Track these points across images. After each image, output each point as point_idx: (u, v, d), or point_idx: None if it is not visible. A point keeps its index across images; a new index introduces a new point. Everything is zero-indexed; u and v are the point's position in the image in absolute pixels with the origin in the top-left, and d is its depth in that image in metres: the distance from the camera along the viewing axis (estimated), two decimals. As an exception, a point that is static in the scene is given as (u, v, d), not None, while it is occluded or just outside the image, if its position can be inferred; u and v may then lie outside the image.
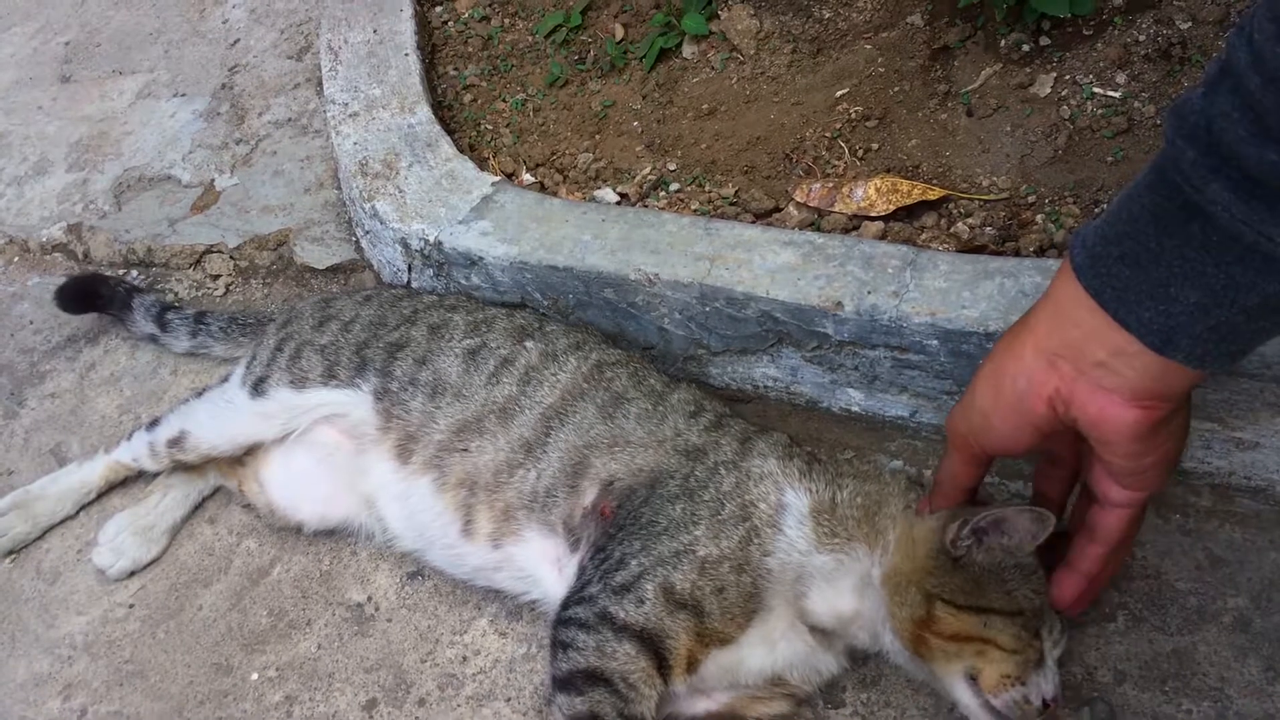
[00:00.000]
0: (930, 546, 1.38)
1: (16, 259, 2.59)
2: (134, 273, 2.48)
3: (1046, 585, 1.36)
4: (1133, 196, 1.05)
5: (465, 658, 1.71)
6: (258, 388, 1.87)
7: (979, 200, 1.80)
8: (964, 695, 1.38)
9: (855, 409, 1.77)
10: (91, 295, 2.25)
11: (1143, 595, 1.53)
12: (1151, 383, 1.07)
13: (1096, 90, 1.85)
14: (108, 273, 2.43)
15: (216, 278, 2.41)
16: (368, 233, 2.13)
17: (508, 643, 1.71)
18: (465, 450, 1.69)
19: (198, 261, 2.43)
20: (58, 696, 1.82)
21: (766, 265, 1.71)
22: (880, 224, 1.80)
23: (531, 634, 1.71)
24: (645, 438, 1.60)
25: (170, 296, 2.39)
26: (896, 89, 2.00)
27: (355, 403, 1.80)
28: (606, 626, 1.45)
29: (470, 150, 2.17)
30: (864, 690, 1.54)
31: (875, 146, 1.93)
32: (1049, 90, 1.89)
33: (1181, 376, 1.06)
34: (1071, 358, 1.12)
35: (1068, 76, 1.89)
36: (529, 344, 1.75)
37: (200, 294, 2.40)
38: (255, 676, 1.76)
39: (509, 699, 1.64)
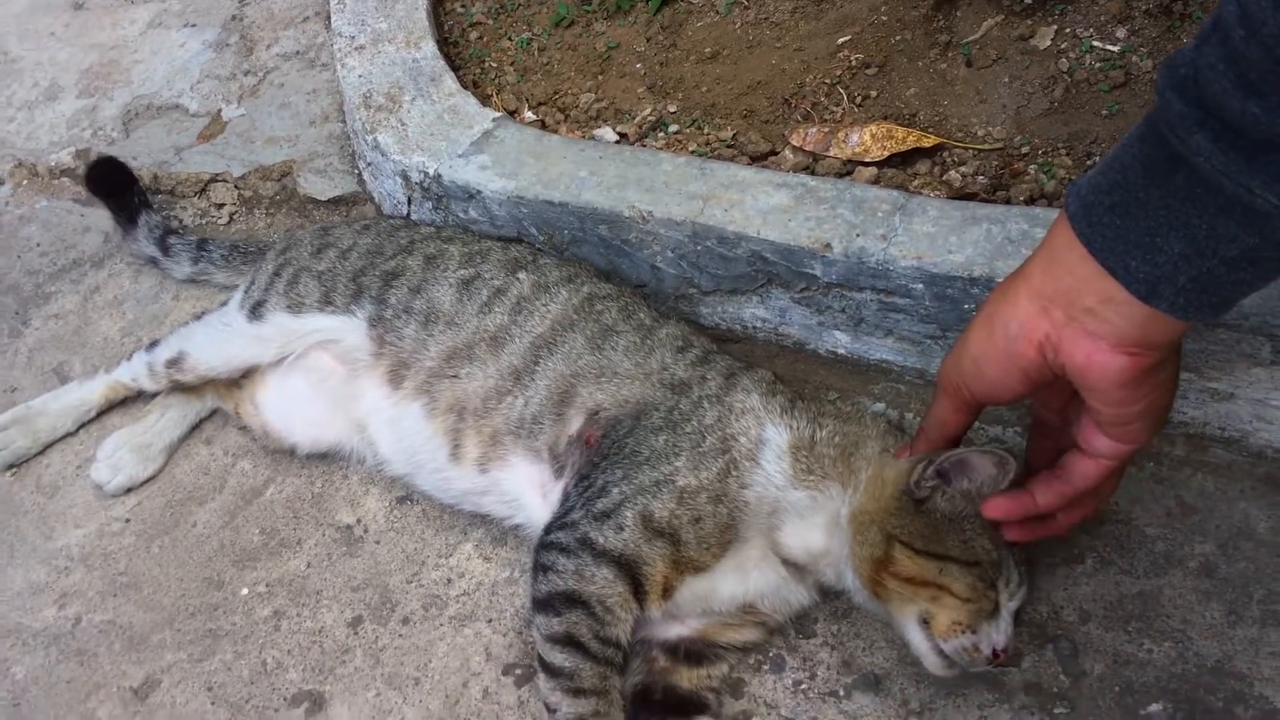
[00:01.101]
0: (897, 488, 1.41)
1: (25, 182, 2.62)
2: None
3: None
4: (1125, 147, 1.07)
5: (450, 580, 1.75)
6: (255, 311, 1.90)
7: (973, 149, 1.81)
8: (916, 637, 1.42)
9: (841, 351, 1.80)
10: (119, 183, 2.29)
11: (1112, 539, 1.56)
12: (1137, 331, 1.09)
13: (1096, 44, 1.86)
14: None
15: (221, 206, 2.43)
16: (369, 165, 2.16)
17: (491, 567, 1.75)
18: (455, 377, 1.72)
19: (203, 190, 2.45)
20: (53, 605, 1.86)
21: (759, 206, 1.73)
22: (874, 169, 1.81)
23: (515, 559, 1.75)
24: (632, 370, 1.63)
25: (175, 224, 2.41)
26: (898, 38, 2.01)
27: (350, 329, 1.83)
28: (586, 551, 1.48)
29: (474, 87, 2.18)
30: (835, 622, 1.58)
31: (874, 94, 1.95)
32: (1049, 43, 1.90)
33: (1166, 326, 1.08)
34: (1063, 304, 1.13)
35: (1068, 30, 1.90)
36: (522, 275, 1.77)
37: (204, 222, 2.43)
38: (245, 591, 1.81)
39: (490, 620, 1.68)
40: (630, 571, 1.47)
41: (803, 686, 1.52)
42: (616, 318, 1.71)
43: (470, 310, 1.75)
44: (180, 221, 2.43)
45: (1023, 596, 1.42)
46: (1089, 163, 1.74)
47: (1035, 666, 1.46)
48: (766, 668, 1.55)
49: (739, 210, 1.73)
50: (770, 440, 1.51)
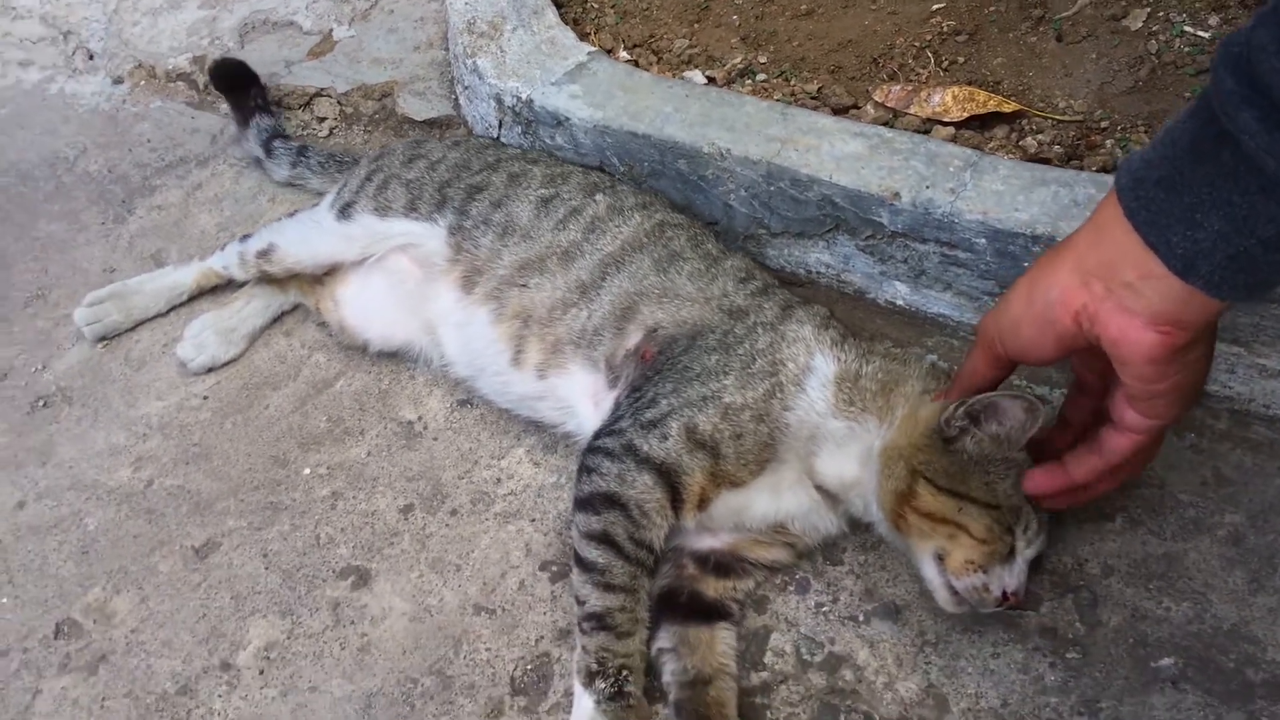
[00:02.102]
0: (928, 427, 1.46)
1: (143, 82, 2.75)
2: (248, 107, 2.63)
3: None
4: (1177, 124, 1.09)
5: (499, 480, 1.83)
6: (344, 211, 1.99)
7: (1052, 119, 1.84)
8: (930, 572, 1.46)
9: (900, 302, 1.84)
10: (241, 81, 2.45)
11: (1144, 501, 1.59)
12: (1172, 308, 1.11)
13: (1187, 29, 1.88)
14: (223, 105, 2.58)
15: (322, 120, 2.54)
16: (466, 88, 2.24)
17: (540, 471, 1.83)
18: (525, 286, 1.79)
19: (307, 103, 2.56)
20: (129, 467, 1.98)
21: (834, 152, 1.78)
22: (951, 129, 1.85)
23: (563, 466, 1.82)
24: (694, 293, 1.69)
25: (295, 142, 2.53)
26: (991, 9, 2.04)
27: (430, 235, 1.92)
28: (630, 457, 1.55)
29: (573, 24, 2.26)
30: (862, 553, 1.63)
31: (961, 60, 1.98)
32: (1140, 25, 1.91)
33: (1201, 305, 1.10)
34: (1103, 277, 1.16)
35: (1161, 13, 1.91)
36: (599, 197, 1.84)
37: (305, 134, 2.54)
38: (308, 471, 1.90)
39: (534, 520, 1.76)
40: (669, 480, 1.53)
41: (824, 609, 1.57)
42: (684, 245, 1.77)
43: (546, 226, 1.83)
44: (284, 133, 2.54)
45: (1040, 546, 1.45)
46: (1166, 141, 1.76)
47: (1053, 612, 1.50)
48: (791, 589, 1.61)
49: (814, 155, 1.78)
50: (818, 369, 1.56)
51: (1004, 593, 1.40)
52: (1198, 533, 1.54)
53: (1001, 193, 1.65)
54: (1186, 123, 1.07)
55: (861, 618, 1.55)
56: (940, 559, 1.43)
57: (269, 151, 2.32)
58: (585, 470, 1.59)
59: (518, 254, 1.81)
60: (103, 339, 2.20)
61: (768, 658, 1.54)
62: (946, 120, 1.85)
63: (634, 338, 1.69)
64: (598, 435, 1.63)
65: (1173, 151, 1.08)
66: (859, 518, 1.57)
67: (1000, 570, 1.41)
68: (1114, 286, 1.15)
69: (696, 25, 2.23)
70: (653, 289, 1.71)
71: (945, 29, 2.02)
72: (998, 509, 1.41)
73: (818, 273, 1.90)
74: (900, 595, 1.57)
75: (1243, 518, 1.55)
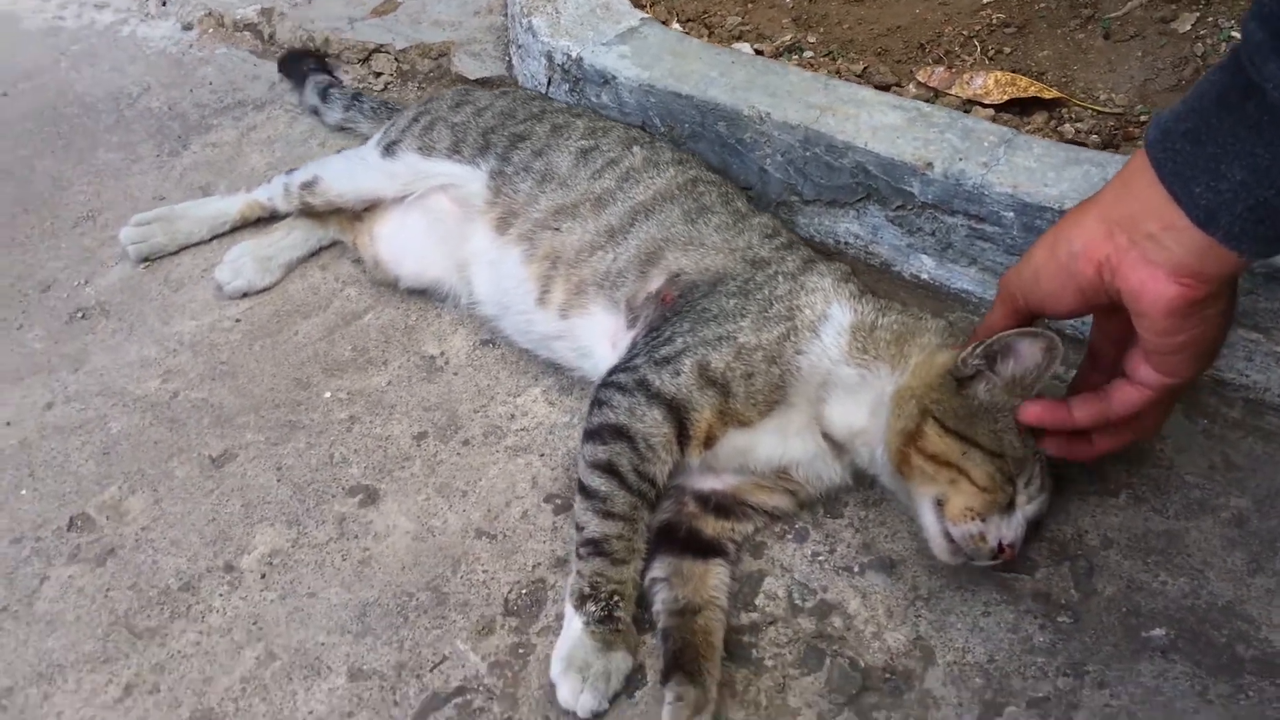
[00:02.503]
0: (943, 369, 1.46)
1: (211, 30, 2.84)
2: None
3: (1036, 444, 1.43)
4: (1207, 78, 1.10)
5: (513, 416, 1.85)
6: (389, 149, 2.04)
7: (1092, 109, 1.85)
8: (929, 519, 1.46)
9: (925, 276, 1.85)
10: (302, 65, 2.57)
11: (1150, 480, 1.58)
12: (1193, 260, 1.12)
13: (1235, 35, 1.88)
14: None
15: (379, 75, 2.60)
16: (520, 47, 2.29)
17: (554, 411, 1.85)
18: (557, 229, 1.83)
19: (366, 58, 2.63)
20: (157, 378, 2.03)
21: (872, 122, 1.80)
22: (991, 111, 1.87)
23: (577, 407, 1.84)
24: (719, 244, 1.72)
25: (342, 80, 2.60)
26: (1042, 5, 2.06)
27: (471, 178, 1.96)
28: (641, 392, 1.57)
29: (631, -3, 2.30)
30: (864, 509, 1.63)
31: (1007, 50, 2.00)
32: (1188, 28, 1.93)
33: (1221, 259, 1.11)
34: (1127, 228, 1.17)
35: (1210, 19, 1.93)
36: (636, 149, 1.88)
37: (361, 87, 2.60)
38: (328, 395, 1.94)
39: (543, 455, 1.78)
40: (679, 415, 1.55)
41: (820, 558, 1.58)
42: (715, 200, 1.79)
43: (583, 175, 1.86)
44: (340, 83, 2.60)
45: (1042, 507, 1.45)
46: (1204, 138, 1.76)
47: (1048, 578, 1.49)
48: (790, 537, 1.62)
49: (852, 123, 1.81)
50: (834, 317, 1.58)
51: (1000, 544, 1.40)
52: (1201, 513, 1.53)
53: (1034, 169, 1.67)
54: (1215, 76, 1.09)
55: (856, 569, 1.56)
56: (940, 505, 1.43)
57: (325, 99, 2.40)
58: (597, 403, 1.61)
59: (554, 200, 1.85)
60: (145, 260, 2.25)
61: (759, 600, 1.54)
62: (986, 102, 1.87)
63: (656, 281, 1.71)
64: (612, 371, 1.65)
65: (1200, 104, 1.09)
66: (863, 469, 1.58)
67: (999, 521, 1.41)
68: (1137, 238, 1.16)
69: (750, 5, 2.27)
70: (679, 237, 1.73)
71: (994, 21, 2.04)
72: (1002, 458, 1.41)
73: (846, 243, 1.92)
74: (897, 551, 1.57)
75: (1248, 502, 1.54)
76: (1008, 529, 1.41)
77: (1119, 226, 1.18)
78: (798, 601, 1.53)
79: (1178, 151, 1.10)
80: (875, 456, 1.52)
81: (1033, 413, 1.40)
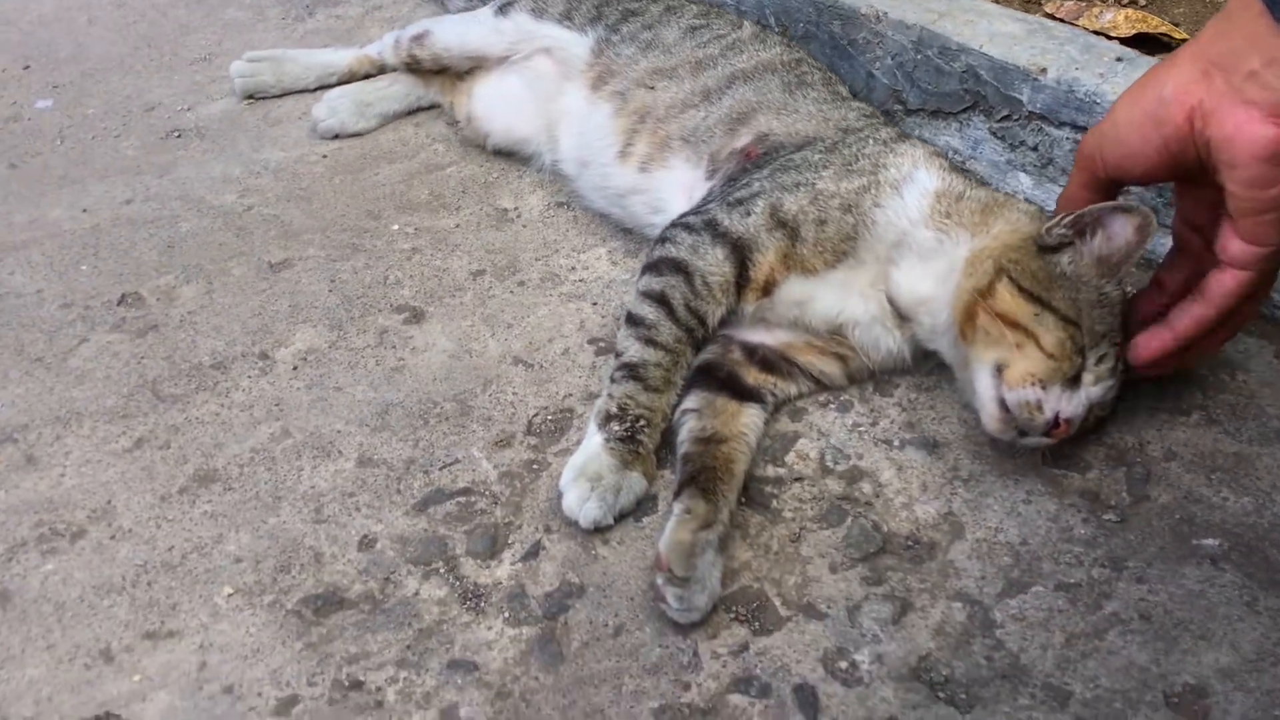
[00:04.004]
0: (1027, 235, 1.38)
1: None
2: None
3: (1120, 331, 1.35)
4: None
5: (574, 268, 1.81)
6: (503, 9, 2.05)
7: (1223, 57, 1.77)
8: (984, 384, 1.35)
9: (1021, 195, 1.77)
10: None
11: (1225, 405, 1.47)
12: None
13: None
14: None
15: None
16: (650, -50, 2.29)
17: (615, 270, 1.80)
18: (652, 89, 1.80)
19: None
20: (235, 193, 2.04)
21: (991, 29, 1.75)
22: (1116, 44, 1.79)
23: (638, 269, 1.79)
24: (814, 112, 1.67)
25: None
26: (1186, -30, 1.99)
27: (577, 44, 1.95)
28: (708, 231, 1.52)
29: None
30: (916, 392, 1.55)
31: (1143, 2, 1.93)
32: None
33: None
34: (1226, 67, 1.10)
35: (1364, -6, 1.84)
36: (746, 25, 1.85)
37: (490, -12, 2.63)
38: (396, 227, 1.92)
39: (595, 304, 1.73)
40: (741, 256, 1.49)
41: (860, 428, 1.49)
42: (816, 80, 1.75)
43: (688, 46, 1.84)
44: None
45: (1108, 390, 1.35)
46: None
47: (1100, 480, 1.39)
48: (833, 407, 1.53)
49: (970, 29, 1.75)
50: (919, 180, 1.50)
51: (1056, 417, 1.30)
52: (1278, 442, 1.41)
53: (1153, 80, 1.59)
54: None
55: (897, 443, 1.47)
56: (999, 371, 1.34)
57: None
58: (661, 240, 1.57)
59: (654, 63, 1.83)
60: (250, 96, 2.29)
61: (789, 457, 1.46)
62: (1113, 35, 1.80)
63: (744, 139, 1.67)
64: (683, 215, 1.60)
65: None
66: (923, 342, 1.49)
67: (1059, 392, 1.31)
68: (1236, 79, 1.08)
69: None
70: (774, 102, 1.69)
71: (1133, -23, 1.98)
72: (1075, 325, 1.31)
73: (944, 158, 1.85)
74: (942, 433, 1.48)
75: (1333, 439, 1.42)
76: (1068, 403, 1.31)
77: (1216, 67, 1.11)
78: (829, 464, 1.45)
79: None
80: (938, 323, 1.44)
81: (1142, 350, 1.32)
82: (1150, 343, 1.31)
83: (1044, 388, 1.30)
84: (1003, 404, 1.33)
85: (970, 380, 1.39)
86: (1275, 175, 1.10)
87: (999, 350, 1.34)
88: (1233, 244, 1.18)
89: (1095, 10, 1.85)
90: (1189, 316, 1.26)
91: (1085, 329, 1.31)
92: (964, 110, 1.77)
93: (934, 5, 1.81)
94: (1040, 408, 1.30)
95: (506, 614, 1.27)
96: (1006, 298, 1.33)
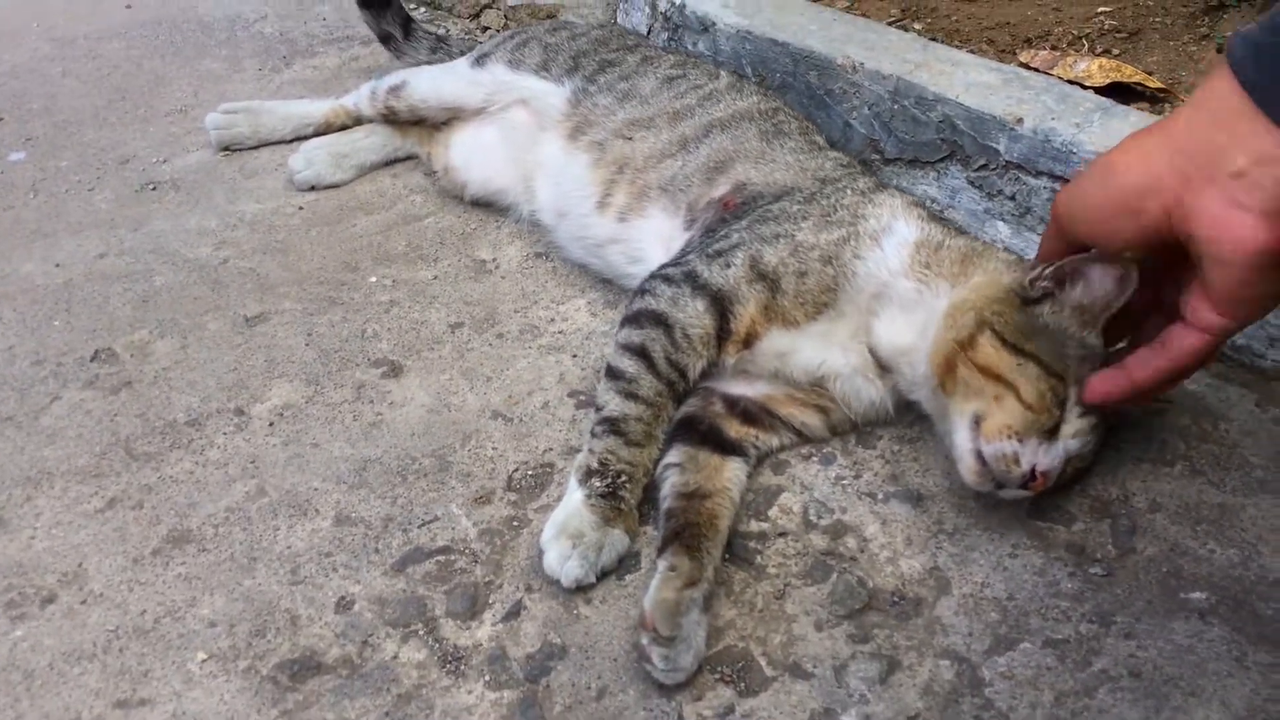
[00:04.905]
0: (1008, 287, 1.37)
1: (335, -27, 2.92)
2: (422, 9, 2.75)
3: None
4: None
5: (553, 319, 1.80)
6: (479, 60, 2.05)
7: (1196, 106, 1.78)
8: (962, 436, 1.34)
9: (999, 244, 1.78)
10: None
11: (1209, 455, 1.46)
12: None
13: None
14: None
15: (486, 29, 2.64)
16: (626, 0, 2.30)
17: (595, 321, 1.79)
18: (629, 139, 1.80)
19: (477, 14, 2.67)
20: (210, 246, 2.02)
21: (966, 80, 1.76)
22: (1091, 93, 1.81)
23: (618, 320, 1.78)
24: (791, 162, 1.67)
25: (443, 30, 2.63)
26: (1158, 19, 2.02)
27: (554, 95, 1.95)
28: (687, 283, 1.51)
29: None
30: (899, 443, 1.54)
31: (1116, 52, 1.95)
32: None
33: None
34: (1204, 164, 1.03)
35: (1333, 43, 1.86)
36: (723, 75, 1.86)
37: (467, 39, 2.63)
38: (373, 279, 1.91)
39: (575, 356, 1.72)
40: (722, 309, 1.48)
41: (844, 481, 1.48)
42: (793, 129, 1.76)
43: (665, 96, 1.84)
44: (446, 30, 2.64)
45: (1087, 443, 1.33)
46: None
47: (1085, 532, 1.38)
48: (815, 459, 1.52)
49: (946, 79, 1.76)
50: (898, 231, 1.50)
51: (1033, 470, 1.29)
52: (1261, 491, 1.40)
53: (1126, 134, 1.59)
54: None
55: (880, 496, 1.45)
56: (977, 423, 1.33)
57: (407, 33, 2.39)
58: (640, 292, 1.56)
59: (631, 114, 1.83)
60: (226, 148, 2.28)
61: (773, 512, 1.45)
62: (1088, 85, 1.81)
63: (721, 189, 1.66)
64: (662, 266, 1.60)
65: None
66: (904, 393, 1.48)
67: (1037, 445, 1.30)
68: (1218, 176, 1.02)
69: (860, -4, 2.26)
70: (752, 151, 1.69)
71: (1106, 26, 2.00)
72: (1059, 378, 1.30)
73: (922, 207, 1.86)
74: (927, 486, 1.47)
75: (1317, 489, 1.41)
76: (1044, 456, 1.30)
77: (1191, 161, 1.04)
78: (813, 518, 1.43)
79: (1276, 68, 0.97)
80: (917, 372, 1.43)
81: (1097, 390, 1.28)
82: (1103, 385, 1.28)
83: (1020, 440, 1.29)
84: (979, 456, 1.31)
85: (949, 431, 1.38)
86: (1264, 277, 1.05)
87: (978, 402, 1.33)
88: (1205, 312, 1.12)
89: (1070, 60, 1.86)
90: (1149, 368, 1.22)
91: (1068, 380, 1.31)
92: (941, 160, 1.78)
93: (910, 55, 1.82)
94: (1017, 460, 1.29)
95: (487, 677, 1.24)
96: (989, 350, 1.32)
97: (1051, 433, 1.31)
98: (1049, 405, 1.30)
